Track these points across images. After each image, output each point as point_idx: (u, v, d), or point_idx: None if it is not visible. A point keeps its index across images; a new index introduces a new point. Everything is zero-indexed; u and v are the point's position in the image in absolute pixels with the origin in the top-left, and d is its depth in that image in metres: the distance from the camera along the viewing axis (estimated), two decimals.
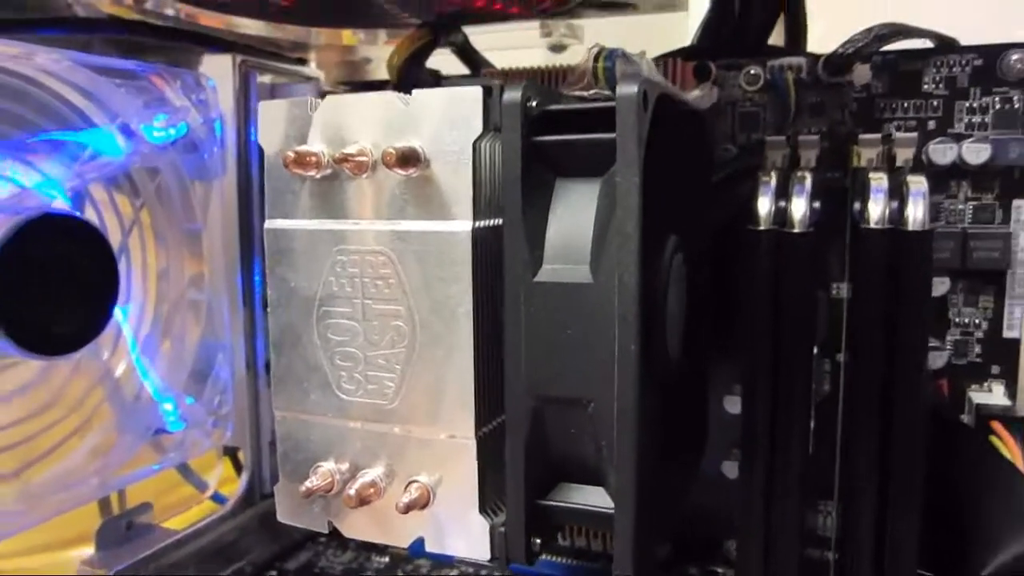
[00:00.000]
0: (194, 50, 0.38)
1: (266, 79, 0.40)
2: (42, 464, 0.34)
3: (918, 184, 0.28)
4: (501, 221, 0.22)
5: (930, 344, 0.35)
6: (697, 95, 0.35)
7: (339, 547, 0.45)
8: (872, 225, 0.27)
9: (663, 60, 0.37)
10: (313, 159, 0.23)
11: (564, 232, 0.22)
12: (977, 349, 0.35)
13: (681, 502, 0.30)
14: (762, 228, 0.28)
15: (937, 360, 0.35)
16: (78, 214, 0.32)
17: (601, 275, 0.22)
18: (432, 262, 0.23)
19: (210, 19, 0.38)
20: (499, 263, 0.22)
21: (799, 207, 0.28)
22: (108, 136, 0.33)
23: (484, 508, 0.24)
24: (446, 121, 0.22)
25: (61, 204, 0.32)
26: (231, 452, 0.44)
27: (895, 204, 0.28)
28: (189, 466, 0.43)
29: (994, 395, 0.35)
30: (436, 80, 0.39)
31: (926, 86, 0.34)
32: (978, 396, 0.35)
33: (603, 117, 0.21)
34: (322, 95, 0.40)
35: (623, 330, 0.21)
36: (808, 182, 0.28)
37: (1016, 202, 0.34)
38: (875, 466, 0.27)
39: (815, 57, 0.35)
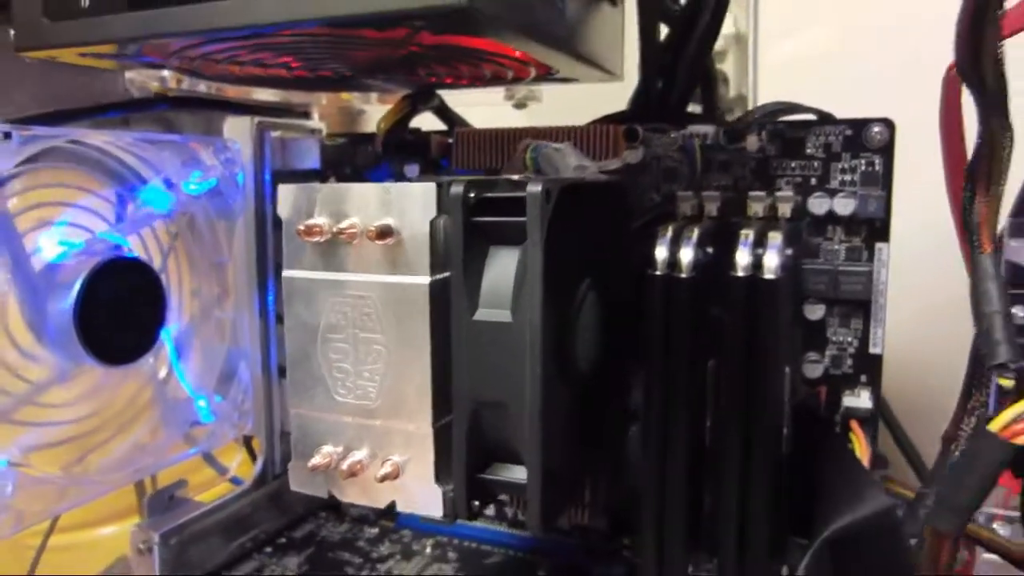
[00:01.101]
0: (220, 115, 0.49)
1: (277, 133, 0.51)
2: (99, 451, 0.45)
3: (774, 239, 0.38)
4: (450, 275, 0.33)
5: (811, 358, 0.46)
6: (625, 155, 0.46)
7: (337, 520, 0.57)
8: (738, 273, 0.38)
9: (602, 123, 0.48)
10: (317, 229, 0.34)
11: (493, 285, 0.33)
12: (849, 362, 0.45)
13: (596, 478, 0.41)
14: (658, 272, 0.39)
15: (816, 370, 0.46)
16: (140, 256, 0.43)
17: (518, 316, 0.32)
18: (401, 304, 0.34)
19: (233, 90, 0.49)
20: (447, 306, 0.33)
21: (686, 255, 0.38)
22: (156, 190, 0.45)
23: (438, 479, 0.35)
24: (412, 206, 0.33)
25: (126, 247, 0.43)
26: (247, 441, 0.55)
27: (759, 251, 0.38)
28: (212, 454, 0.54)
29: (861, 399, 0.45)
30: (416, 138, 0.50)
31: (809, 150, 0.45)
32: (848, 400, 0.45)
33: (521, 204, 0.32)
34: (322, 145, 0.52)
35: (531, 354, 0.32)
36: (695, 234, 0.39)
37: (878, 245, 0.44)
38: (738, 456, 0.38)
39: (721, 126, 0.45)
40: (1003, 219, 0.35)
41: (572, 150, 0.41)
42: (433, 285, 0.33)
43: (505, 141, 0.48)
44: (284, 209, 0.36)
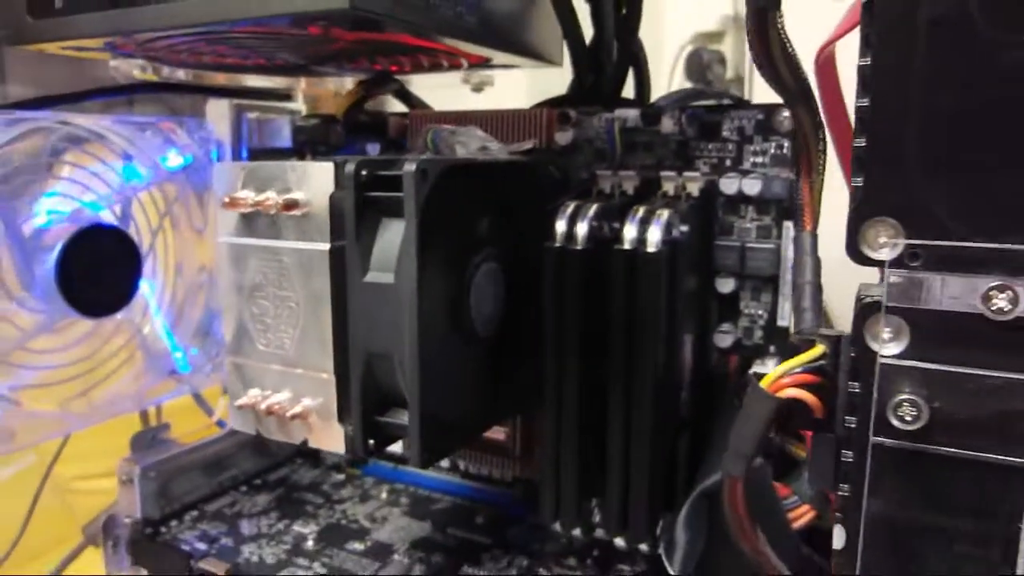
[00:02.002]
0: (201, 98, 0.56)
1: (253, 115, 0.58)
2: (98, 388, 0.54)
3: (661, 216, 0.43)
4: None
5: (723, 329, 0.50)
6: (557, 136, 0.51)
7: (311, 467, 0.64)
8: (624, 246, 0.43)
9: (541, 107, 0.53)
10: (241, 201, 0.41)
11: (381, 251, 0.39)
12: (759, 333, 0.50)
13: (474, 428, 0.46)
14: (556, 245, 0.44)
15: (727, 340, 0.50)
16: (115, 223, 0.51)
17: (399, 278, 0.38)
18: (308, 267, 0.40)
19: (223, 76, 0.56)
20: (344, 269, 0.40)
21: (581, 229, 0.43)
22: (136, 167, 0.52)
23: (341, 420, 0.41)
24: (315, 182, 0.40)
25: (107, 216, 0.51)
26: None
27: (644, 227, 0.43)
28: (202, 397, 0.62)
29: (768, 367, 0.49)
30: (373, 119, 0.56)
31: (725, 133, 0.49)
32: (758, 367, 0.49)
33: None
34: (297, 126, 0.58)
35: (408, 312, 0.38)
36: (592, 211, 0.44)
37: (786, 223, 0.48)
38: (620, 413, 0.43)
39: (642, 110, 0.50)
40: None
41: (477, 133, 0.46)
42: (333, 251, 0.40)
43: (453, 121, 0.54)
44: (217, 184, 0.43)
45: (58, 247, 0.48)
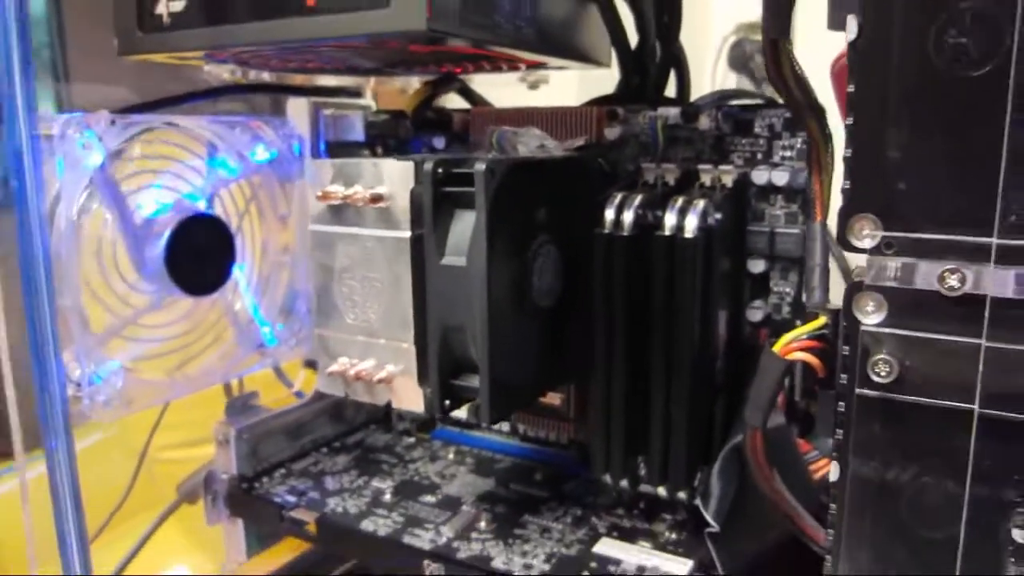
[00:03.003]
0: (283, 98, 0.65)
1: (329, 111, 0.67)
2: (196, 359, 0.63)
3: (697, 205, 0.50)
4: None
5: (755, 305, 0.58)
6: (606, 131, 0.59)
7: (383, 431, 0.73)
8: (665, 232, 0.50)
9: (591, 104, 0.61)
10: (332, 195, 0.50)
11: (456, 238, 0.48)
12: (787, 309, 0.57)
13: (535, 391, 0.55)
14: (605, 231, 0.52)
15: (758, 315, 0.58)
16: (212, 213, 0.60)
17: (470, 262, 0.47)
18: (390, 252, 0.49)
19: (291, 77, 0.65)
20: (423, 253, 0.48)
21: (628, 217, 0.51)
22: (228, 160, 0.61)
23: (420, 382, 0.50)
24: (397, 179, 0.48)
25: (202, 205, 0.60)
26: (312, 364, 0.72)
27: (682, 216, 0.51)
28: (282, 370, 0.72)
29: None
30: (438, 115, 0.65)
31: (757, 129, 0.57)
32: None
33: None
34: (368, 121, 0.67)
35: (479, 290, 0.46)
36: (637, 201, 0.52)
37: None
38: (662, 379, 0.51)
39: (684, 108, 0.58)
40: None
41: (535, 133, 0.54)
42: (413, 238, 0.48)
43: (512, 119, 0.62)
44: (310, 178, 0.51)
45: (166, 234, 0.57)
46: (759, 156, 0.57)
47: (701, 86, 0.64)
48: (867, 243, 0.32)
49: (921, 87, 0.30)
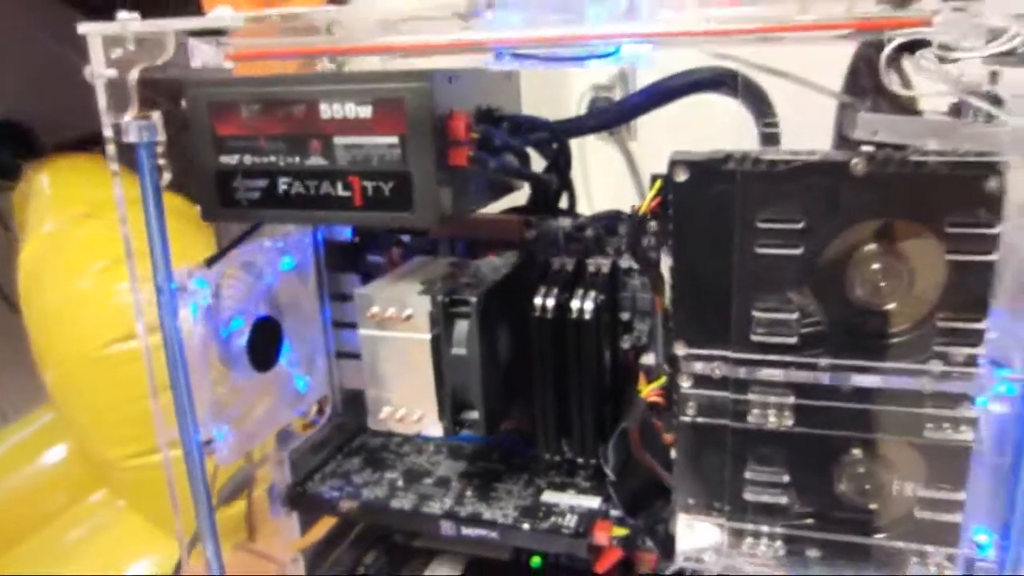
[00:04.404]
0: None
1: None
2: (247, 416, 0.98)
3: (590, 294, 0.90)
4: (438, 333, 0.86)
5: (625, 338, 0.99)
6: (527, 233, 0.98)
7: (373, 436, 1.11)
8: (573, 315, 0.90)
9: (512, 212, 1.00)
10: (375, 315, 0.87)
11: (458, 336, 0.86)
12: (644, 340, 0.99)
13: (507, 412, 0.95)
14: (536, 314, 0.90)
15: (627, 343, 0.99)
16: (268, 314, 0.95)
17: (468, 350, 0.85)
18: (417, 347, 0.87)
19: None
20: (439, 347, 0.86)
21: (550, 303, 0.90)
22: (268, 273, 0.96)
23: (440, 418, 0.88)
24: (420, 305, 0.86)
25: (262, 308, 0.95)
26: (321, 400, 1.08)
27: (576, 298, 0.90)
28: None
29: (650, 359, 0.99)
30: None
31: (620, 232, 0.96)
32: (644, 359, 0.99)
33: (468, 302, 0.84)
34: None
35: (474, 367, 0.85)
36: (554, 292, 0.91)
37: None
38: (576, 391, 0.91)
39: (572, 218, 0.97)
40: None
41: (497, 260, 0.92)
42: (432, 338, 0.86)
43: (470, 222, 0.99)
44: (359, 303, 0.87)
45: (246, 335, 0.92)
46: (623, 248, 0.97)
47: None
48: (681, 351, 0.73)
49: (720, 230, 0.71)
